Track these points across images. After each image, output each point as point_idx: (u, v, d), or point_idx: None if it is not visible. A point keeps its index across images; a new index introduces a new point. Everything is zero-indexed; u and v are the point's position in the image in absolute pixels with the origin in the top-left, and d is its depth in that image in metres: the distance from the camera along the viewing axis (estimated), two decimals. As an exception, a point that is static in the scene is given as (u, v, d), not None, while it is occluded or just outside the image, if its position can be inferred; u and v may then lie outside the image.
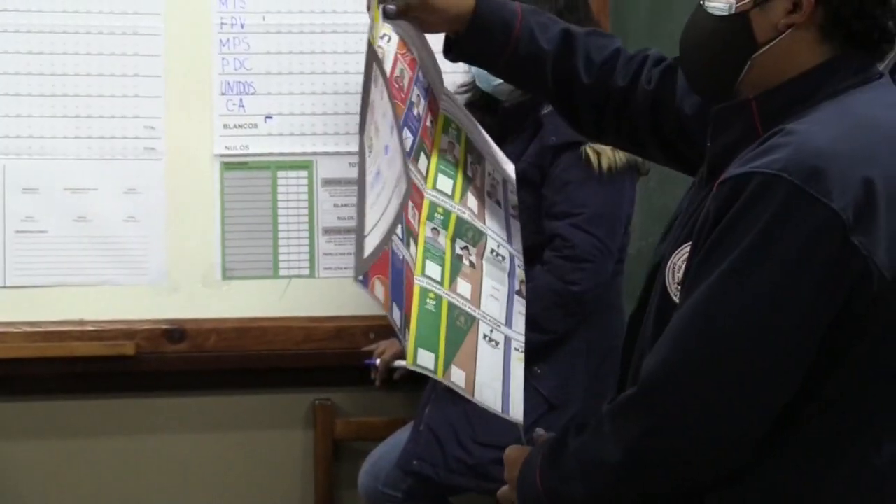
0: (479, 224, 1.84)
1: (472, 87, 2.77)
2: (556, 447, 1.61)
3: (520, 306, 1.84)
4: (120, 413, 3.03)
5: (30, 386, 2.97)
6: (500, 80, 2.41)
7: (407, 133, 1.73)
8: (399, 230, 1.65)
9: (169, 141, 2.96)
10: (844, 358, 1.46)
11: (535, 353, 2.58)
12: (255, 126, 3.00)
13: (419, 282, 1.68)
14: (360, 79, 1.72)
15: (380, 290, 1.56)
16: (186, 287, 2.97)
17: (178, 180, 2.96)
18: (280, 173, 3.01)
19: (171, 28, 2.96)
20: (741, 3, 1.54)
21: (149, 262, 2.96)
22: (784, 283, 1.41)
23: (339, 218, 3.02)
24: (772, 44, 1.53)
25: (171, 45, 2.96)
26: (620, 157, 2.61)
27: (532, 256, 2.46)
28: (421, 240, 1.73)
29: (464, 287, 1.75)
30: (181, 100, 2.97)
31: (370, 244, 1.58)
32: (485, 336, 1.72)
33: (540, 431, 1.76)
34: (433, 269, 1.72)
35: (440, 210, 1.79)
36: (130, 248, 2.95)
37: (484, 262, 1.81)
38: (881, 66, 1.58)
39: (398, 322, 1.60)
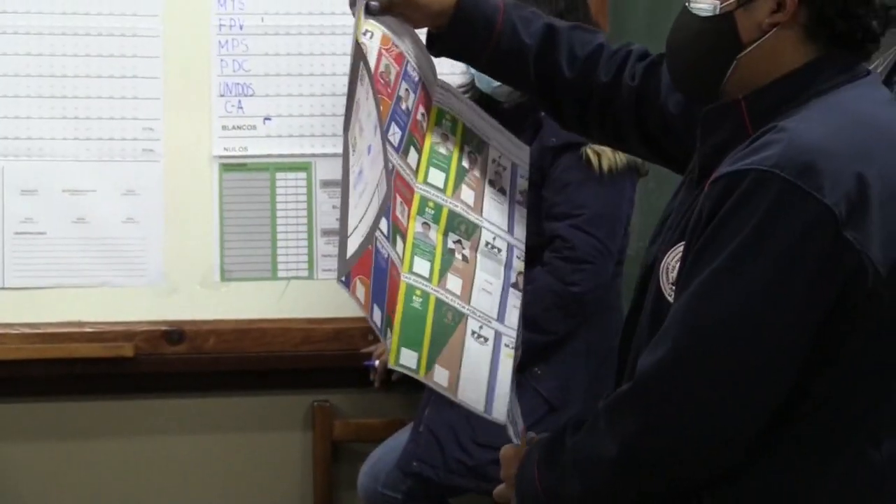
0: (473, 217, 1.82)
1: (471, 88, 2.76)
2: (553, 445, 1.61)
3: (514, 300, 1.81)
4: (119, 414, 3.04)
5: (29, 387, 2.97)
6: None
7: (395, 128, 1.72)
8: (384, 227, 1.63)
9: (168, 142, 2.96)
10: (838, 354, 1.46)
11: (536, 354, 2.60)
12: (254, 127, 3.00)
13: (406, 279, 1.67)
14: (353, 79, 1.72)
15: (361, 290, 1.54)
16: (185, 288, 2.97)
17: (176, 182, 2.96)
18: (279, 175, 3.01)
19: (170, 29, 2.96)
20: (726, 3, 1.54)
21: (147, 264, 2.96)
22: (777, 278, 1.41)
23: (337, 219, 3.00)
24: (756, 43, 1.53)
25: (170, 47, 2.96)
26: (620, 158, 2.61)
27: (532, 257, 2.45)
28: (410, 236, 1.72)
29: (454, 282, 1.73)
30: (180, 101, 2.96)
31: (353, 244, 1.57)
32: (473, 333, 1.70)
33: (531, 434, 1.76)
34: (421, 266, 1.70)
35: (431, 204, 1.77)
36: (129, 249, 2.95)
37: (478, 256, 1.79)
38: (871, 67, 1.58)
39: (379, 323, 1.58)
